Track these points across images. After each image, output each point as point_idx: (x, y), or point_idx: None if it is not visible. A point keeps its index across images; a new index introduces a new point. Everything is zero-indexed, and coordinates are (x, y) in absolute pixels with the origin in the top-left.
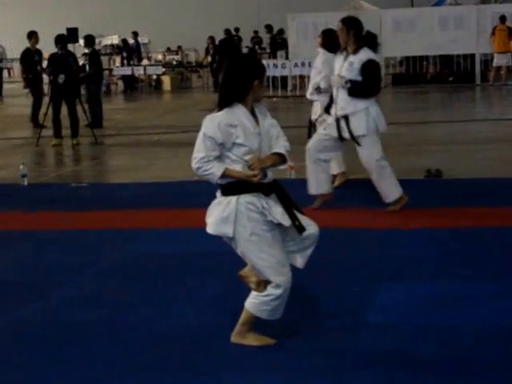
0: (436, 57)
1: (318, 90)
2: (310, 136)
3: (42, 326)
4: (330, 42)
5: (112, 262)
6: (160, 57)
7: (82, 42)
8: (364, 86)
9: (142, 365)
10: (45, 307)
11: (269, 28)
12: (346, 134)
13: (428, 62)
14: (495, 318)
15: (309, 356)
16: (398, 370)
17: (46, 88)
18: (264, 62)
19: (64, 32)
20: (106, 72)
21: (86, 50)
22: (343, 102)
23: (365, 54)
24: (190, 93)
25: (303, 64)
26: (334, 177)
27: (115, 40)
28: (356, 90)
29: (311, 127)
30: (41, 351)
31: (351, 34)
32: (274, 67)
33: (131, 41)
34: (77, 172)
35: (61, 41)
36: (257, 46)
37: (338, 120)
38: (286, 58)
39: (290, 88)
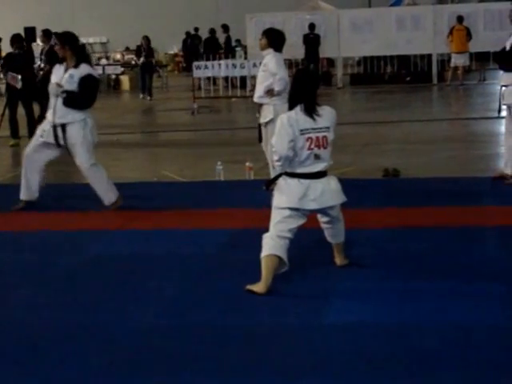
0: (393, 57)
1: (269, 92)
2: (260, 140)
3: None
4: (277, 40)
5: (70, 263)
6: (118, 56)
7: (38, 40)
8: (79, 98)
9: (98, 367)
10: (0, 309)
11: (225, 28)
12: (62, 141)
13: (386, 62)
14: (454, 316)
15: (265, 356)
16: (356, 370)
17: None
18: (222, 62)
19: (22, 32)
20: None
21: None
22: (62, 111)
23: (85, 69)
24: None
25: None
26: None
27: None
28: (71, 100)
29: (261, 131)
30: None
31: (67, 49)
32: (232, 67)
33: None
34: None
35: (17, 41)
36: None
37: (55, 127)
38: (245, 57)
39: (249, 88)
